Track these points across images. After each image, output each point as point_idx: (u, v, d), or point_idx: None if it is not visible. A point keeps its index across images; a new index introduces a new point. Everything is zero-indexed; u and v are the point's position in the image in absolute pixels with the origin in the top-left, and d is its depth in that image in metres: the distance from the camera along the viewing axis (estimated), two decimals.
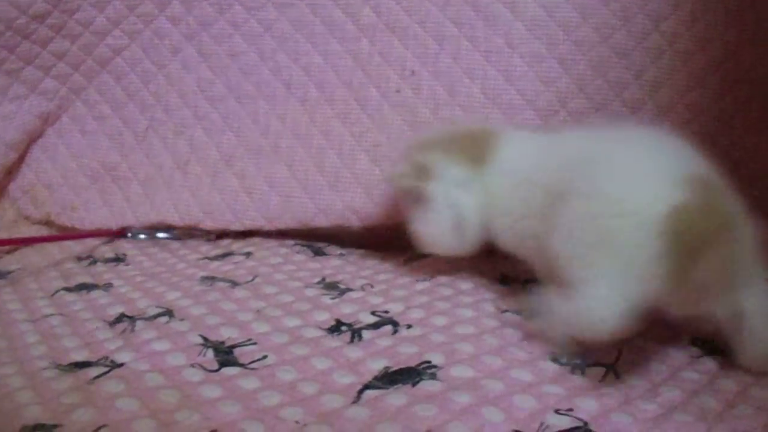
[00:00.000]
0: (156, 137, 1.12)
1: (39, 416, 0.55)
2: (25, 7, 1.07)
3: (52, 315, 0.77)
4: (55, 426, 0.53)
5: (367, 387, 0.59)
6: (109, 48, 1.12)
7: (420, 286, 0.84)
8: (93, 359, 0.65)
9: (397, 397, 0.58)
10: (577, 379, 0.61)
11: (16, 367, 0.65)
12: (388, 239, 1.04)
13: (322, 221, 1.04)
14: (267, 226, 1.05)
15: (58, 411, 0.56)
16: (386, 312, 0.76)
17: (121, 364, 0.64)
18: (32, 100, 1.13)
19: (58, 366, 0.64)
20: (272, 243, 1.03)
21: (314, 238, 1.05)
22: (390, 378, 0.61)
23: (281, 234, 1.06)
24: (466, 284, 0.85)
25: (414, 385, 0.60)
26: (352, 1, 1.03)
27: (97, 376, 0.61)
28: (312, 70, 1.05)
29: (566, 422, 0.54)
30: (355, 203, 1.02)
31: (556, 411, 0.55)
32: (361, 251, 1.02)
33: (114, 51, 1.12)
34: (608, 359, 0.64)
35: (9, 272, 0.94)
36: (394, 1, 1.02)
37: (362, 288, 0.84)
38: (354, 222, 1.03)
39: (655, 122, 0.97)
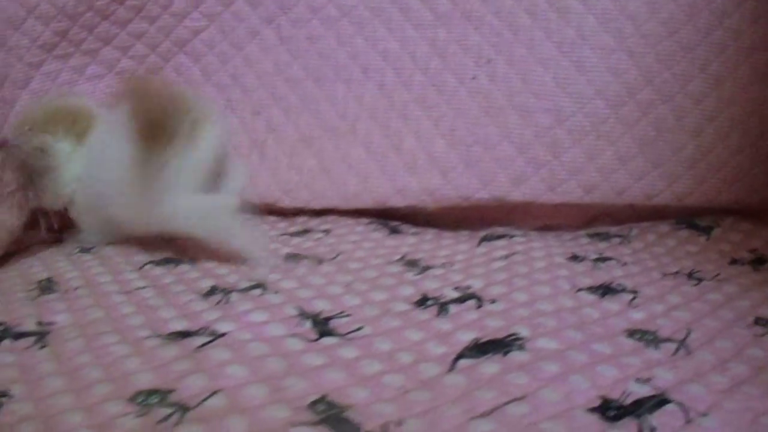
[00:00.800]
0: (233, 117, 1.15)
1: (151, 382, 0.59)
2: None
3: (144, 287, 0.82)
4: (169, 392, 0.57)
5: (460, 356, 0.64)
6: (188, 29, 1.14)
7: (497, 264, 0.88)
8: (193, 329, 0.70)
9: (489, 366, 0.62)
10: (653, 353, 0.65)
11: (117, 336, 0.69)
12: (459, 220, 1.09)
13: (398, 202, 1.08)
14: (343, 206, 1.10)
15: (169, 378, 0.60)
16: (468, 288, 0.80)
17: (224, 334, 0.68)
18: (109, 79, 1.15)
19: (160, 335, 0.68)
20: (348, 221, 1.07)
21: (387, 217, 1.10)
22: (480, 348, 0.65)
23: (356, 212, 1.10)
24: (540, 262, 0.89)
25: (504, 354, 0.64)
26: None
27: (202, 345, 0.66)
28: (389, 56, 1.09)
29: (646, 390, 0.58)
30: (431, 185, 1.07)
31: (636, 380, 0.60)
32: (434, 231, 1.06)
33: (192, 32, 1.15)
34: (679, 336, 0.68)
35: (92, 247, 0.98)
36: None
37: (442, 265, 0.88)
38: (429, 203, 1.07)
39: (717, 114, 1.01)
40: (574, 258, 0.92)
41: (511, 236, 1.00)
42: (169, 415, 0.54)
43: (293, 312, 0.74)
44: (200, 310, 0.75)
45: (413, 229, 1.05)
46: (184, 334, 0.69)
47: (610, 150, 1.04)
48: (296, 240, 0.99)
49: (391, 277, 0.84)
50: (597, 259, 0.92)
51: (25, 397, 0.58)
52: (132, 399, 0.56)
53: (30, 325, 0.71)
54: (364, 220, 1.06)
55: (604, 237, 1.04)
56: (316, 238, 0.99)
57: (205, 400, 0.56)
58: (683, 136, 1.05)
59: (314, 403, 0.55)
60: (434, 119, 1.06)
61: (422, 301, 0.77)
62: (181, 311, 0.75)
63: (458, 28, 1.06)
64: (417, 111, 1.07)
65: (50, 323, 0.72)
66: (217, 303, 0.77)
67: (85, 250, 0.97)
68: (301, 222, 1.08)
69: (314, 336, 0.68)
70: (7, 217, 1.00)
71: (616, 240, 1.03)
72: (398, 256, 0.91)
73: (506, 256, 0.91)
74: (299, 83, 1.11)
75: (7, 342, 0.68)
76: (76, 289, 0.81)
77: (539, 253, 0.92)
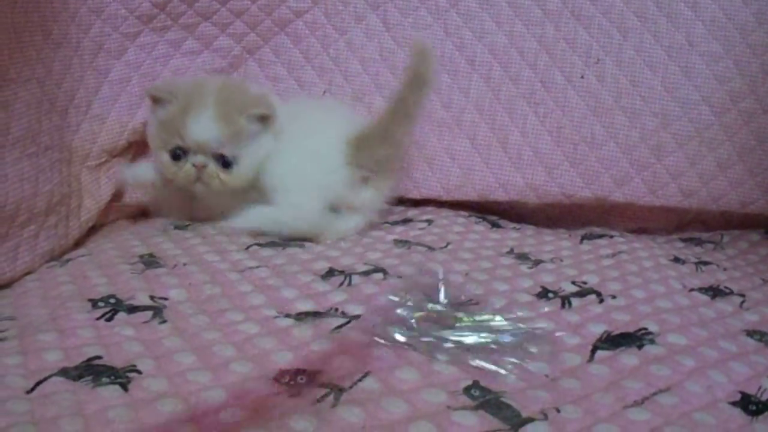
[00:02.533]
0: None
1: (293, 362, 0.61)
2: None
3: (258, 267, 0.81)
4: (317, 372, 0.59)
5: (596, 348, 0.66)
6: (290, 10, 1.13)
7: (606, 262, 0.90)
8: (321, 310, 0.72)
9: (627, 358, 0.64)
10: None
11: (242, 314, 0.70)
12: (556, 217, 1.11)
13: (501, 195, 1.10)
14: (445, 197, 1.11)
15: (312, 358, 0.61)
16: (585, 283, 0.82)
17: (358, 316, 0.70)
18: (205, 56, 1.14)
19: (288, 315, 0.70)
20: (448, 213, 1.08)
21: (486, 211, 1.11)
22: (614, 341, 0.67)
23: (454, 204, 1.12)
24: (647, 262, 0.91)
25: (639, 348, 0.66)
26: None
27: (338, 327, 0.68)
28: (497, 50, 1.10)
29: None
30: (536, 181, 1.09)
31: None
32: (533, 227, 1.08)
33: (295, 13, 1.13)
34: None
35: (186, 226, 0.97)
36: None
37: (551, 260, 0.89)
38: (532, 198, 1.09)
39: None
40: (677, 260, 0.93)
41: (611, 236, 1.02)
42: (324, 396, 0.55)
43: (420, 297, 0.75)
44: (323, 290, 0.77)
45: (513, 224, 1.07)
46: (314, 315, 0.70)
47: (711, 156, 1.05)
48: (400, 228, 1.01)
49: (506, 268, 0.86)
50: (698, 263, 0.93)
51: (155, 372, 0.59)
52: (278, 379, 0.58)
53: (143, 300, 0.72)
54: (464, 213, 1.08)
55: (697, 242, 1.06)
56: (420, 228, 1.01)
57: (358, 381, 0.58)
58: None
59: (468, 388, 0.58)
60: (541, 116, 1.08)
61: (543, 293, 0.79)
62: (302, 291, 0.76)
63: (567, 26, 1.08)
64: (524, 106, 1.08)
65: (164, 298, 0.73)
66: (340, 285, 0.79)
67: (181, 227, 0.97)
68: (399, 212, 1.09)
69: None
70: (95, 187, 1.03)
71: (709, 246, 1.05)
72: (506, 249, 0.93)
73: (612, 255, 0.93)
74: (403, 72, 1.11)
75: (122, 315, 0.68)
76: (185, 265, 0.81)
77: (644, 254, 0.94)
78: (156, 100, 0.92)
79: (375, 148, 0.95)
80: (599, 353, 0.65)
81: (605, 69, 1.06)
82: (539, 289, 0.79)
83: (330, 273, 0.82)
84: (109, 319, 0.67)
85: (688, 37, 1.04)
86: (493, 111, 1.09)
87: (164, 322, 0.68)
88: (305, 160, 0.95)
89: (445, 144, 1.12)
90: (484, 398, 0.56)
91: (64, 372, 0.57)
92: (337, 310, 0.72)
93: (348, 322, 0.69)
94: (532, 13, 1.09)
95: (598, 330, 0.69)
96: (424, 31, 1.11)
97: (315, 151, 0.95)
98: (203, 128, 0.90)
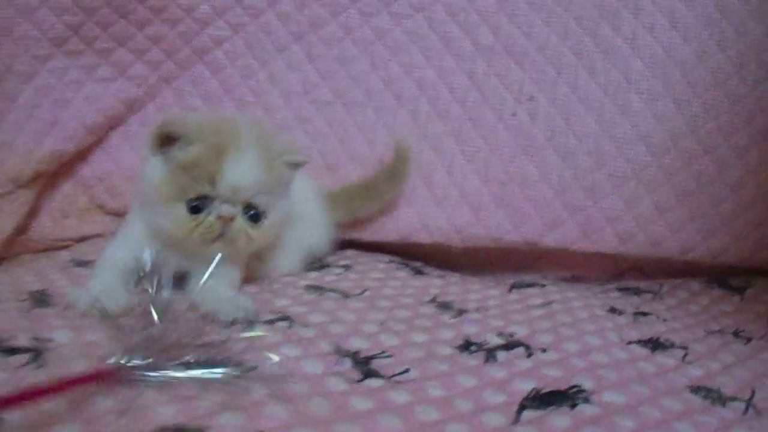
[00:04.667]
0: None
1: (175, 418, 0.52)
2: None
3: None
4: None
5: (523, 407, 0.58)
6: (210, 38, 1.06)
7: (536, 312, 0.83)
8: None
9: (559, 419, 0.56)
10: (723, 411, 0.61)
11: None
12: (483, 263, 1.03)
13: (424, 238, 1.03)
14: (365, 237, 1.04)
15: (194, 414, 0.52)
16: (512, 335, 0.75)
17: (254, 368, 0.60)
18: (120, 84, 1.06)
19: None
20: (366, 258, 1.01)
21: (408, 257, 1.04)
22: (543, 399, 0.60)
23: (374, 248, 1.04)
24: (582, 312, 0.84)
25: (572, 407, 0.58)
26: (470, 19, 1.02)
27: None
28: (425, 85, 1.04)
29: None
30: (461, 222, 1.01)
31: None
32: (458, 275, 1.00)
33: (214, 42, 1.06)
34: (744, 395, 0.65)
35: (87, 263, 0.89)
36: (513, 25, 1.02)
37: (477, 310, 0.82)
38: (456, 242, 1.02)
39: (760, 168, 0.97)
40: (613, 311, 0.87)
41: (542, 285, 0.95)
42: None
43: (328, 348, 0.67)
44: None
45: (437, 272, 0.99)
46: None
47: (648, 199, 0.99)
48: (314, 274, 0.92)
49: (426, 318, 0.78)
50: (636, 313, 0.87)
51: (21, 422, 0.49)
52: None
53: (24, 341, 0.63)
54: (384, 258, 1.00)
55: (635, 291, 0.99)
56: (337, 273, 0.93)
57: None
58: (724, 189, 1.01)
59: None
60: (468, 155, 1.01)
61: (466, 346, 0.71)
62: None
63: (500, 62, 1.02)
64: (451, 144, 1.02)
65: (48, 339, 0.64)
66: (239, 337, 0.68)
67: (82, 264, 0.91)
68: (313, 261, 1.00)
69: (358, 376, 0.62)
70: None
71: (648, 296, 0.98)
72: (428, 297, 0.85)
73: (543, 305, 0.86)
74: (327, 106, 1.05)
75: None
76: None
77: (578, 303, 0.87)
78: (171, 139, 0.76)
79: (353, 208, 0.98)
80: (526, 413, 0.57)
81: (538, 106, 1.01)
82: (461, 341, 0.71)
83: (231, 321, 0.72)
84: None
85: (626, 74, 0.99)
86: (418, 149, 1.02)
87: (42, 366, 0.58)
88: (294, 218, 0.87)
89: None
90: None
91: None
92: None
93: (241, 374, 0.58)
94: (463, 47, 1.03)
95: (525, 387, 0.61)
96: (349, 64, 1.05)
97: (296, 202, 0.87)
98: (244, 171, 0.76)
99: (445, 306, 0.83)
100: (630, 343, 0.75)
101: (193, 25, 1.05)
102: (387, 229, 1.02)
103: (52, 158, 0.99)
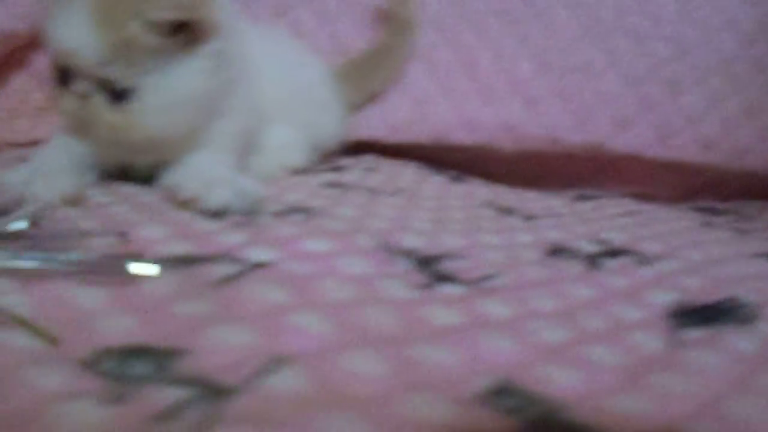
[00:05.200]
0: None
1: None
2: None
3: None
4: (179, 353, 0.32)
5: (678, 325, 0.40)
6: None
7: (621, 220, 0.66)
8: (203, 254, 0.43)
9: (737, 339, 0.38)
10: None
11: None
12: (535, 176, 0.85)
13: (464, 137, 0.84)
14: (389, 138, 0.85)
15: (183, 331, 0.34)
16: (608, 241, 0.56)
17: (262, 265, 0.42)
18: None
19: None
20: (391, 162, 0.82)
21: (440, 164, 0.84)
22: (698, 315, 0.42)
23: (398, 152, 0.85)
24: (677, 224, 0.67)
25: (742, 324, 0.41)
26: None
27: (228, 278, 0.39)
28: None
29: None
30: (512, 118, 0.83)
31: None
32: (507, 187, 0.81)
33: None
34: None
35: None
36: None
37: (548, 217, 0.63)
38: (506, 143, 0.83)
39: None
40: (708, 225, 0.67)
41: (610, 198, 0.76)
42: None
43: (370, 243, 0.48)
44: (209, 231, 0.48)
45: (479, 180, 0.80)
46: (189, 260, 0.41)
47: (736, 98, 0.80)
48: (329, 175, 0.73)
49: (489, 221, 0.59)
50: (736, 231, 0.68)
51: None
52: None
53: None
54: (411, 164, 0.80)
55: (714, 211, 0.81)
56: (357, 175, 0.73)
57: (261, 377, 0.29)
58: None
59: (493, 393, 0.30)
60: (519, 36, 0.82)
61: (555, 251, 0.52)
62: (177, 230, 0.48)
63: None
64: (496, 25, 0.83)
65: None
66: (236, 225, 0.50)
67: None
68: (326, 164, 0.81)
69: (424, 280, 0.43)
70: None
71: (731, 217, 0.79)
72: (479, 202, 0.66)
73: (626, 214, 0.67)
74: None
75: None
76: None
77: (664, 215, 0.68)
78: None
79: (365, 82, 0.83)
80: (685, 333, 0.38)
81: None
82: (547, 246, 0.53)
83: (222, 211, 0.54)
84: None
85: None
86: (456, 30, 0.84)
87: None
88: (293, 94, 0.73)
89: None
90: (530, 414, 0.29)
91: None
92: (227, 255, 0.43)
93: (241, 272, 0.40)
94: None
95: (663, 300, 0.44)
96: None
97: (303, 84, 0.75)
98: (71, 29, 0.56)
99: (506, 211, 0.65)
100: (757, 255, 0.57)
101: None
102: (418, 127, 0.83)
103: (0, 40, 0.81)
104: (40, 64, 0.88)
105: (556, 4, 0.83)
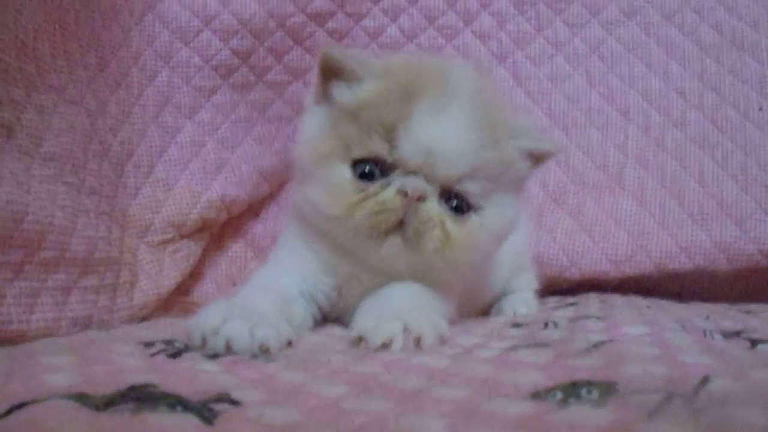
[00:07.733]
0: None
1: None
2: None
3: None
4: None
5: None
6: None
7: None
8: None
9: None
10: None
11: None
12: (750, 291, 0.85)
13: (684, 262, 0.85)
14: (613, 272, 0.86)
15: None
16: None
17: None
18: (296, 124, 0.86)
19: None
20: (618, 299, 0.79)
21: (658, 294, 0.85)
22: None
23: (617, 288, 0.86)
24: None
25: None
26: (688, 19, 0.92)
27: None
28: (651, 94, 0.92)
29: None
30: (725, 239, 0.84)
31: None
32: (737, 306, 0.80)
33: None
34: None
35: None
36: (735, 18, 0.91)
37: None
38: (722, 263, 0.84)
39: None
40: None
41: None
42: None
43: None
44: None
45: (707, 304, 0.79)
46: None
47: None
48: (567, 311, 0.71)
49: None
50: None
51: None
52: None
53: None
54: (637, 299, 0.80)
55: None
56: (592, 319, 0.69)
57: None
58: None
59: None
60: (719, 159, 0.86)
61: None
62: None
63: (730, 57, 0.90)
64: (696, 151, 0.87)
65: None
66: None
67: None
68: (553, 302, 0.80)
69: None
70: (155, 269, 0.76)
71: None
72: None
73: None
74: (542, 131, 0.89)
75: None
76: None
77: None
78: (335, 72, 0.54)
79: None
80: None
81: None
82: None
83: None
84: None
85: None
86: (659, 162, 0.88)
87: None
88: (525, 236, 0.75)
89: (605, 207, 0.89)
90: None
91: None
92: None
93: None
94: (687, 49, 0.92)
95: None
96: (564, 83, 0.93)
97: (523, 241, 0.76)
98: (449, 129, 0.51)
99: None
100: None
101: (379, 51, 0.91)
102: (640, 259, 0.84)
103: (221, 206, 0.83)
104: (257, 231, 0.90)
105: (748, 125, 0.87)
